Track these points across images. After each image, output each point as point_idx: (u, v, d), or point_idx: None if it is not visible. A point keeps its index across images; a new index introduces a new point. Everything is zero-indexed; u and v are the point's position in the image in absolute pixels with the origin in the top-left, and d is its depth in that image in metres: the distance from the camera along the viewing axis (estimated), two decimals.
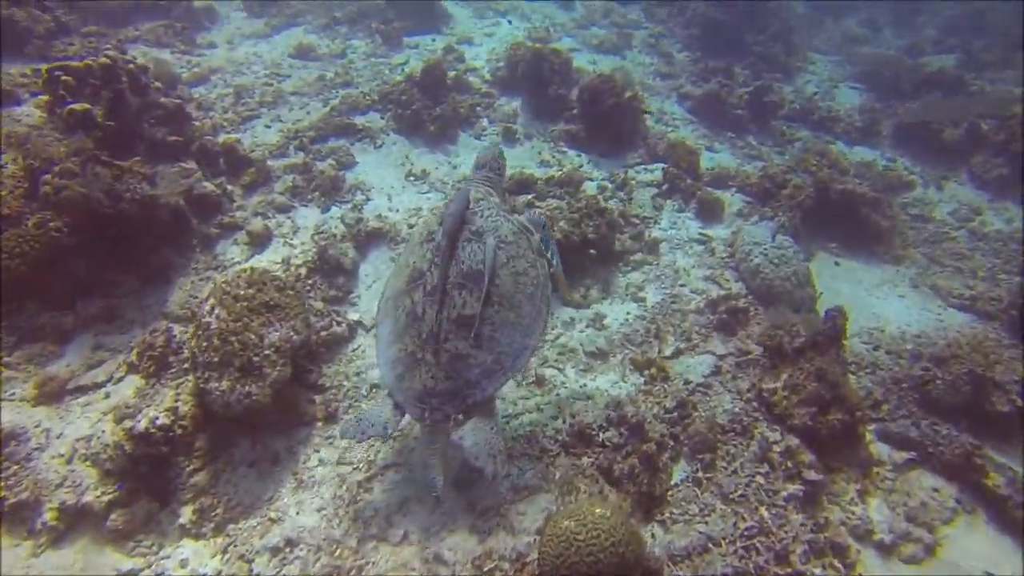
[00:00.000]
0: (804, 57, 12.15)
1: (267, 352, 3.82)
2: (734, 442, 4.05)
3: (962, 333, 5.58)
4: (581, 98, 6.94)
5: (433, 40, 9.44)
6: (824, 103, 10.26)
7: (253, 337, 3.80)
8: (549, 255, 3.50)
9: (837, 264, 6.38)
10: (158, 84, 6.01)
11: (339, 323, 4.76)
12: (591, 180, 6.53)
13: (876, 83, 10.98)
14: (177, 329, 4.46)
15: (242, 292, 3.94)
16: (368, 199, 5.84)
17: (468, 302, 2.88)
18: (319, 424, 4.19)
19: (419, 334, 2.93)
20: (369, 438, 3.04)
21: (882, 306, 5.92)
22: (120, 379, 4.08)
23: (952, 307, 5.96)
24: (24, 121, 5.47)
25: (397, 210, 5.68)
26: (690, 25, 11.31)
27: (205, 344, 3.69)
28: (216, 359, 3.65)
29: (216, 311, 3.77)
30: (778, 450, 3.93)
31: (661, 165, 6.83)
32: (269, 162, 6.16)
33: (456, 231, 3.01)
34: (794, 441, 3.94)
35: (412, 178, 6.13)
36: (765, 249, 5.29)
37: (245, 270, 4.16)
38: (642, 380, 4.42)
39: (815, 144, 7.81)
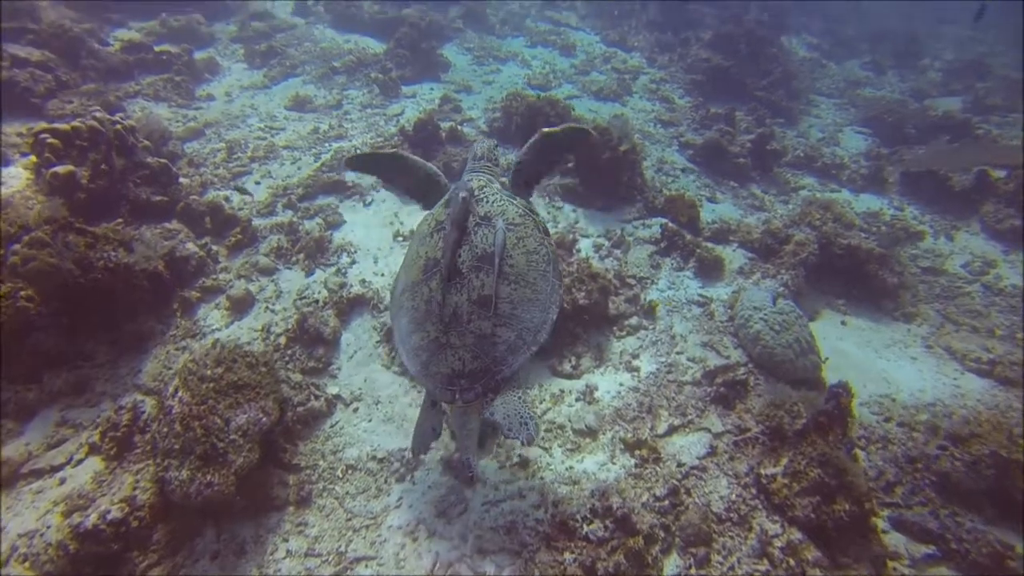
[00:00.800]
0: (807, 101, 12.09)
1: (233, 437, 3.61)
2: (730, 533, 3.75)
3: (982, 401, 5.28)
4: (578, 153, 6.79)
5: (431, 89, 9.43)
6: (828, 148, 10.12)
7: (218, 421, 3.59)
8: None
9: (844, 323, 6.11)
10: (147, 143, 5.96)
11: (317, 397, 4.54)
12: (586, 237, 6.34)
13: (882, 127, 10.83)
14: (148, 404, 4.28)
15: (209, 372, 3.75)
16: (354, 261, 5.68)
17: (486, 283, 2.93)
18: (291, 509, 3.94)
19: (441, 319, 2.97)
20: (431, 444, 3.15)
21: (893, 369, 5.62)
22: (80, 461, 3.88)
23: (969, 371, 5.65)
24: (8, 183, 5.43)
25: (382, 274, 5.51)
26: (692, 71, 11.30)
27: (166, 430, 3.49)
28: (176, 446, 3.44)
29: (179, 394, 3.58)
30: (779, 544, 3.61)
31: (660, 220, 6.65)
32: (256, 221, 6.04)
33: (462, 218, 3.06)
34: (797, 535, 3.63)
35: (400, 239, 5.96)
36: (765, 315, 5.04)
37: (215, 346, 3.98)
38: (632, 462, 4.14)
39: (819, 197, 7.60)
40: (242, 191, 6.37)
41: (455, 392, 2.94)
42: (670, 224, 6.33)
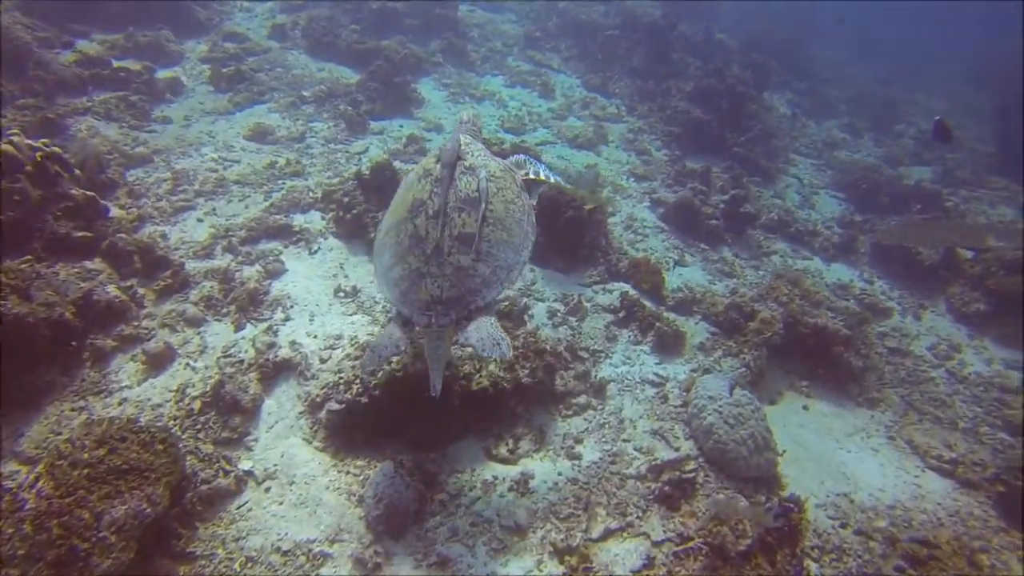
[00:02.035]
0: (786, 159, 12.06)
1: (104, 534, 3.16)
2: None
3: (943, 506, 5.01)
4: (539, 208, 6.50)
5: (400, 126, 9.14)
6: (803, 211, 10.03)
7: (86, 516, 3.15)
8: (546, 176, 4.05)
9: (806, 408, 5.84)
10: (76, 172, 5.54)
11: (227, 472, 4.10)
12: (542, 301, 6.02)
13: (856, 193, 10.80)
14: (22, 475, 3.80)
15: (85, 455, 3.32)
16: (288, 318, 5.26)
17: (467, 222, 3.19)
18: None
19: (423, 252, 3.18)
20: (387, 360, 3.19)
21: (853, 463, 5.34)
22: None
23: (931, 469, 5.39)
24: None
25: (315, 335, 5.10)
26: (671, 122, 11.18)
27: (11, 531, 3.03)
28: (21, 551, 2.98)
29: (39, 485, 3.13)
30: None
31: (621, 286, 6.37)
32: (191, 264, 5.63)
33: (453, 161, 3.34)
34: None
35: (341, 295, 5.57)
36: (720, 406, 4.73)
37: (100, 423, 3.55)
38: (560, 571, 3.76)
39: (789, 269, 7.40)
40: None
41: (431, 317, 3.14)
42: (630, 292, 6.05)
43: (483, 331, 3.13)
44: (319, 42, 10.91)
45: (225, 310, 5.26)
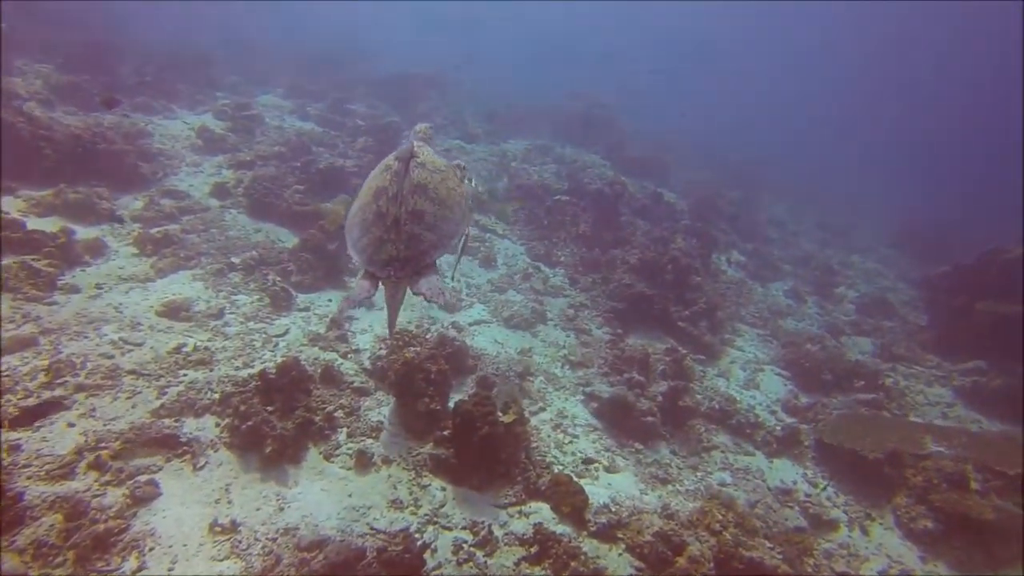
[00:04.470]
0: (732, 329, 12.07)
1: None
2: None
3: None
4: (454, 420, 6.04)
5: (329, 301, 8.80)
6: (748, 391, 9.83)
7: None
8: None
9: None
10: None
11: None
12: (448, 530, 5.37)
13: (800, 371, 10.74)
14: None
15: None
16: (142, 567, 4.47)
17: (419, 202, 3.94)
18: None
19: (384, 224, 3.89)
20: (360, 304, 3.86)
21: None
22: None
23: None
24: None
25: None
26: (614, 297, 11.12)
27: None
28: None
29: None
30: None
31: (540, 508, 5.79)
32: (39, 488, 4.87)
33: (408, 157, 4.12)
34: None
35: (217, 531, 4.83)
36: None
37: None
38: None
39: (721, 494, 6.95)
40: None
41: (391, 271, 3.83)
42: (545, 526, 5.47)
43: (431, 283, 3.86)
44: (259, 202, 10.78)
45: (60, 559, 4.44)
